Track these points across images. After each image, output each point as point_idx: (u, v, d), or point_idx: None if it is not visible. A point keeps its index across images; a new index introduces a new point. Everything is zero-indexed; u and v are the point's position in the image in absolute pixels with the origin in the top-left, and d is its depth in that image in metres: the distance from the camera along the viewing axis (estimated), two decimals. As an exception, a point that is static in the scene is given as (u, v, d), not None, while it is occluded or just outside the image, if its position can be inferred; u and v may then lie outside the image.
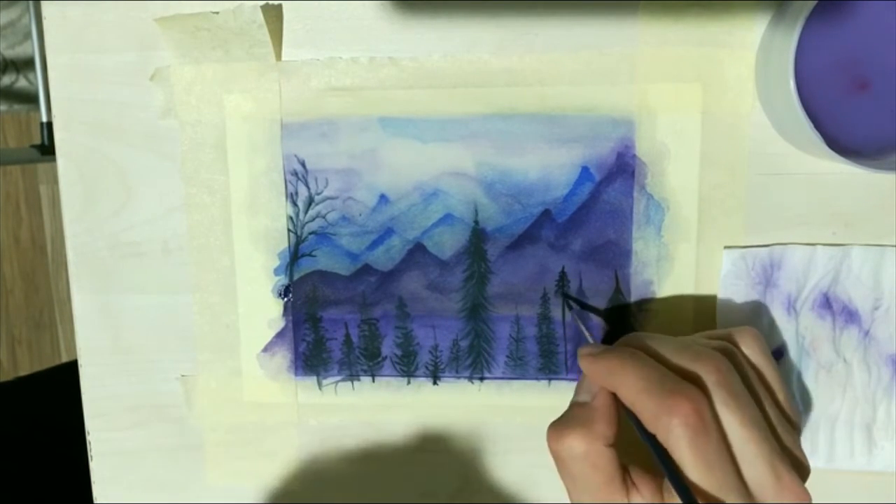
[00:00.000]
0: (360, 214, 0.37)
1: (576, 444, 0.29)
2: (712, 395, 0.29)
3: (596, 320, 0.37)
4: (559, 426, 0.30)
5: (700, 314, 0.36)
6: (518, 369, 0.38)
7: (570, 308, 0.37)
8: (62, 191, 0.38)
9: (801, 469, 0.30)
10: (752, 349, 0.32)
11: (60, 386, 0.78)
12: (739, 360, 0.31)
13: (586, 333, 0.36)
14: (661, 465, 0.28)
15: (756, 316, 0.36)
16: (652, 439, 0.29)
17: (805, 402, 0.36)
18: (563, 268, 0.36)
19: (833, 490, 0.37)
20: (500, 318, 0.37)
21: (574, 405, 0.31)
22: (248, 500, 0.40)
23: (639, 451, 0.31)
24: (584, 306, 0.37)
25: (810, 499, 0.29)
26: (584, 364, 0.31)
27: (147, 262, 0.38)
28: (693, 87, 0.34)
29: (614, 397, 0.31)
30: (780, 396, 0.31)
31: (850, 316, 0.36)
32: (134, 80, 0.37)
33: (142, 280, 0.38)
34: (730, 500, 0.28)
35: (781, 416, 0.31)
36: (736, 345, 0.32)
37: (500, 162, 0.36)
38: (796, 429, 0.32)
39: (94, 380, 0.40)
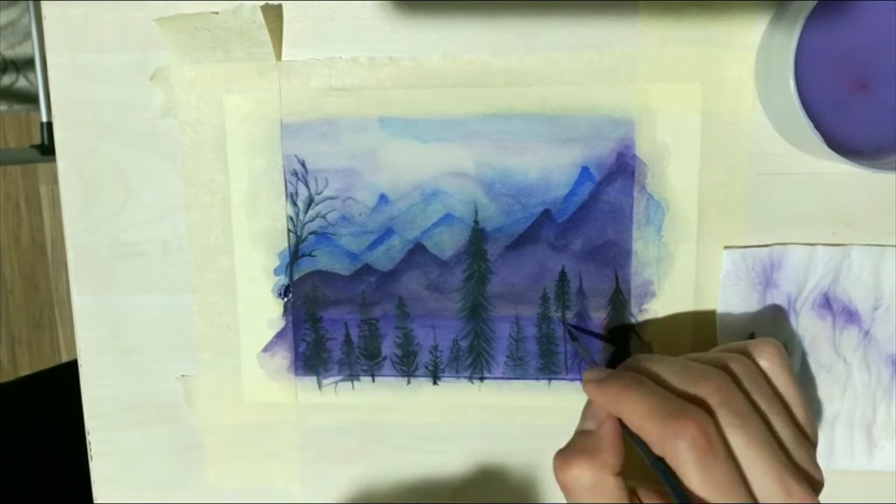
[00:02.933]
0: (360, 214, 0.37)
1: (583, 474, 0.29)
2: (717, 415, 0.28)
3: (597, 342, 0.37)
4: (565, 456, 0.30)
5: (700, 314, 0.36)
6: (518, 369, 0.38)
7: (575, 339, 0.37)
8: (62, 191, 0.38)
9: (814, 484, 0.30)
10: (769, 361, 0.31)
11: (60, 386, 0.78)
12: (748, 373, 0.30)
13: (590, 359, 0.36)
14: (671, 490, 0.28)
15: (756, 316, 0.36)
16: (660, 464, 0.29)
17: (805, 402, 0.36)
18: (563, 268, 0.36)
19: (833, 490, 0.37)
20: (500, 318, 0.37)
21: (580, 433, 0.31)
22: (248, 500, 0.40)
23: (648, 472, 0.31)
24: (586, 332, 0.37)
25: None
26: (588, 391, 0.31)
27: (147, 262, 0.38)
28: (693, 87, 0.34)
29: (620, 423, 0.30)
30: (796, 410, 0.31)
31: (850, 316, 0.36)
32: (134, 80, 0.37)
33: (142, 280, 0.38)
34: None
35: (795, 431, 0.30)
36: (752, 357, 0.31)
37: (500, 162, 0.36)
38: (811, 443, 0.31)
39: (94, 380, 0.40)
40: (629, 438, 0.30)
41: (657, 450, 0.29)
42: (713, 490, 0.28)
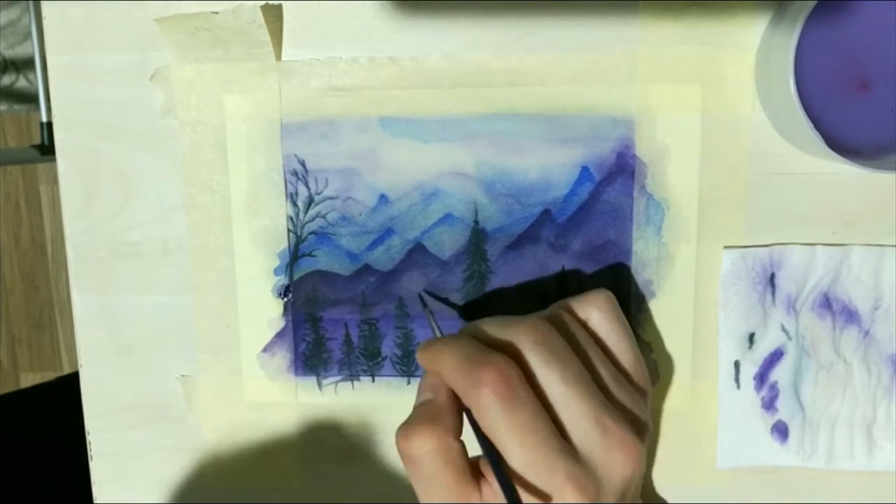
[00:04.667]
0: (360, 214, 0.37)
1: (425, 440, 0.29)
2: (528, 356, 0.28)
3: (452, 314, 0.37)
4: (406, 426, 0.29)
5: (700, 314, 0.36)
6: (518, 369, 0.38)
7: (425, 306, 0.36)
8: (62, 191, 0.38)
9: (639, 428, 0.30)
10: (599, 311, 0.31)
11: (60, 393, 0.78)
12: (568, 319, 0.31)
13: (436, 330, 0.35)
14: (483, 449, 0.28)
15: (756, 316, 0.36)
16: (472, 423, 0.29)
17: (805, 402, 0.36)
18: (563, 268, 0.36)
19: (833, 490, 0.37)
20: (500, 318, 0.37)
21: (418, 405, 0.31)
22: (248, 500, 0.40)
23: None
24: (440, 300, 0.37)
25: (641, 451, 0.28)
26: (417, 356, 0.31)
27: (147, 262, 0.38)
28: (693, 87, 0.34)
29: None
30: (623, 356, 0.31)
31: (850, 316, 0.36)
32: (134, 80, 0.37)
33: (142, 280, 0.38)
34: (553, 460, 0.27)
35: (618, 376, 0.30)
36: (579, 307, 0.32)
37: (500, 162, 0.36)
38: (641, 391, 0.31)
39: (94, 380, 0.40)
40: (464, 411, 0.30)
41: (465, 401, 0.29)
42: (520, 434, 0.27)
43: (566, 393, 0.28)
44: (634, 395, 0.31)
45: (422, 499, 0.30)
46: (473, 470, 0.30)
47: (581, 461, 0.28)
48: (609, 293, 0.32)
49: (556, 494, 0.27)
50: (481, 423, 0.28)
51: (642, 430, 0.31)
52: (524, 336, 0.29)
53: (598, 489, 0.28)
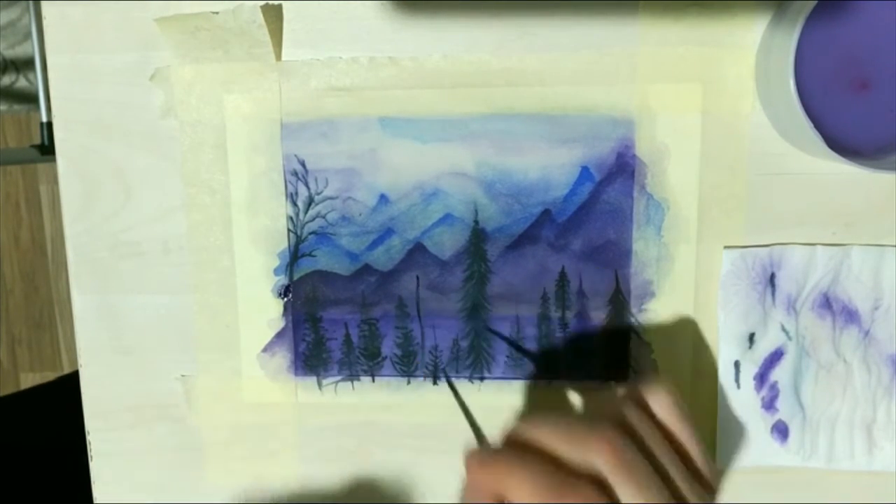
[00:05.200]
0: (360, 214, 0.37)
1: None
2: (609, 480, 0.27)
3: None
4: None
5: (700, 314, 0.36)
6: (518, 369, 0.38)
7: (455, 393, 0.36)
8: (62, 191, 0.38)
9: None
10: (662, 407, 0.30)
11: (60, 393, 0.78)
12: (640, 421, 0.29)
13: (481, 437, 0.34)
14: None
15: (756, 316, 0.36)
16: None
17: (805, 402, 0.36)
18: (563, 268, 0.36)
19: (833, 490, 0.37)
20: (500, 318, 0.37)
21: None
22: (248, 500, 0.40)
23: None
24: (508, 342, 0.36)
25: None
26: (470, 473, 0.29)
27: (147, 262, 0.38)
28: (693, 87, 0.34)
29: None
30: (694, 455, 0.30)
31: (850, 316, 0.36)
32: (134, 80, 0.37)
33: (142, 280, 0.38)
34: None
35: (689, 478, 0.29)
36: (644, 402, 0.30)
37: (500, 162, 0.36)
38: (708, 487, 0.30)
39: (94, 380, 0.40)
40: None
41: None
42: None
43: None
44: (707, 497, 0.30)
45: None
46: None
47: None
48: (672, 386, 0.31)
49: None
50: None
51: None
52: (602, 457, 0.27)
53: None
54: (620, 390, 0.32)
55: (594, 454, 0.28)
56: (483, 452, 0.29)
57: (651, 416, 0.30)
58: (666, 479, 0.29)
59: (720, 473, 0.31)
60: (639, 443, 0.29)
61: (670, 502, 0.28)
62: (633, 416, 0.29)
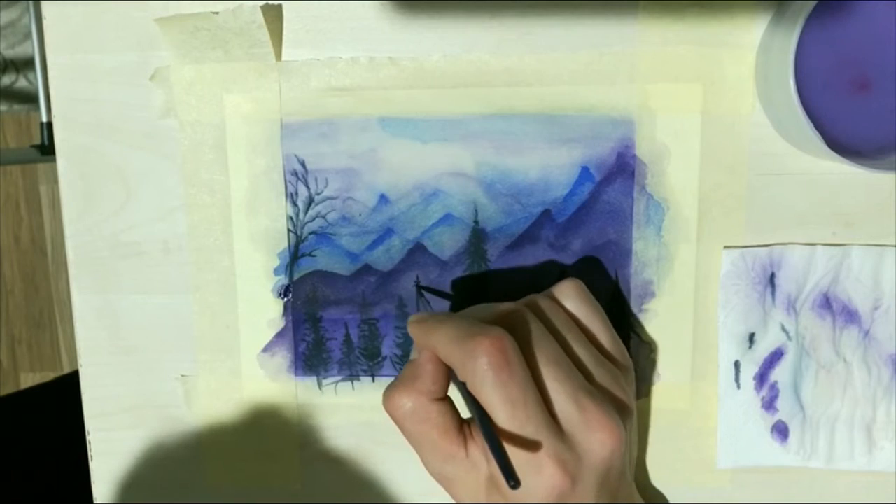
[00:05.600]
0: (360, 214, 0.37)
1: (403, 400, 0.31)
2: (513, 336, 0.29)
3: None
4: (388, 388, 0.31)
5: (700, 314, 0.36)
6: (518, 369, 0.38)
7: (421, 295, 0.37)
8: (62, 191, 0.38)
9: (620, 407, 0.31)
10: (571, 298, 0.33)
11: (60, 393, 0.78)
12: (548, 306, 0.32)
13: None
14: (476, 418, 0.29)
15: (756, 316, 0.36)
16: (466, 394, 0.29)
17: (805, 402, 0.36)
18: (563, 268, 0.36)
19: (833, 490, 0.37)
20: (500, 318, 0.37)
21: (404, 368, 0.32)
22: (248, 500, 0.40)
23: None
24: (438, 293, 0.37)
25: (621, 431, 0.29)
26: (409, 328, 0.32)
27: (147, 262, 0.38)
28: (693, 87, 0.34)
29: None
30: (602, 338, 0.32)
31: (850, 316, 0.36)
32: (134, 80, 0.37)
33: (142, 280, 0.38)
34: (539, 436, 0.28)
35: (598, 357, 0.32)
36: (554, 298, 0.33)
37: (500, 162, 0.36)
38: (622, 370, 0.33)
39: (94, 380, 0.40)
40: (453, 382, 0.31)
41: (460, 374, 0.29)
42: (509, 407, 0.28)
43: (546, 373, 0.29)
44: (616, 374, 0.32)
45: (419, 456, 0.32)
46: (460, 428, 0.31)
47: (564, 439, 0.29)
48: (579, 281, 0.33)
49: (537, 469, 0.28)
50: (476, 395, 0.29)
51: (624, 410, 0.32)
52: (505, 320, 0.30)
53: (578, 467, 0.29)
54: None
55: (499, 318, 0.31)
56: (422, 314, 0.33)
57: (559, 305, 0.33)
58: (570, 352, 0.31)
59: (632, 367, 0.34)
60: (544, 321, 0.31)
61: (568, 366, 0.30)
62: (542, 302, 0.32)
